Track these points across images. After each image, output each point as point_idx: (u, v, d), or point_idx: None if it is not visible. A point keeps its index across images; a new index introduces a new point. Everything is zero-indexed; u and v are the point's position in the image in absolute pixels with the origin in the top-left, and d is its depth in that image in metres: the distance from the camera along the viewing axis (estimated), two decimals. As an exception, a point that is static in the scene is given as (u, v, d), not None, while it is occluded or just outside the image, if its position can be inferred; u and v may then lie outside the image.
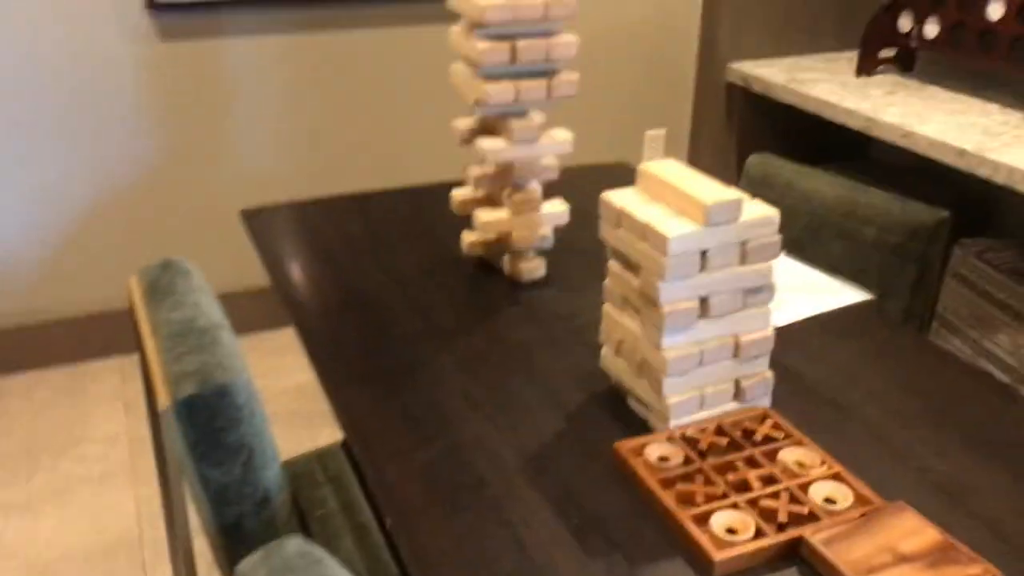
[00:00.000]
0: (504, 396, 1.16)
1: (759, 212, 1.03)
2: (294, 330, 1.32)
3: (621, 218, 1.06)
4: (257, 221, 1.65)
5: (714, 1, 2.83)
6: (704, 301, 1.04)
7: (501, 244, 1.46)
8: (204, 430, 0.97)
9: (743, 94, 2.87)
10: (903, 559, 0.86)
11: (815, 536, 0.89)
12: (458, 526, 0.94)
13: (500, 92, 1.32)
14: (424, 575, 0.88)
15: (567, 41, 1.33)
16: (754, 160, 1.74)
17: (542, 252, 1.50)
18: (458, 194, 1.48)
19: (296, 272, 1.47)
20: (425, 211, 1.69)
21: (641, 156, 3.03)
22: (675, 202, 1.04)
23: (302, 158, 2.66)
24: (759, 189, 1.72)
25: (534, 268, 1.44)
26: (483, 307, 1.37)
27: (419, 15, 2.62)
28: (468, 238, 1.47)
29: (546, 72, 1.36)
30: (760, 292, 1.06)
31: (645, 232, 1.02)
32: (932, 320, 2.35)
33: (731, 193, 1.00)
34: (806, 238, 1.63)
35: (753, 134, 2.94)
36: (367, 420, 1.11)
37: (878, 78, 2.66)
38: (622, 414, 1.13)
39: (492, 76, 1.34)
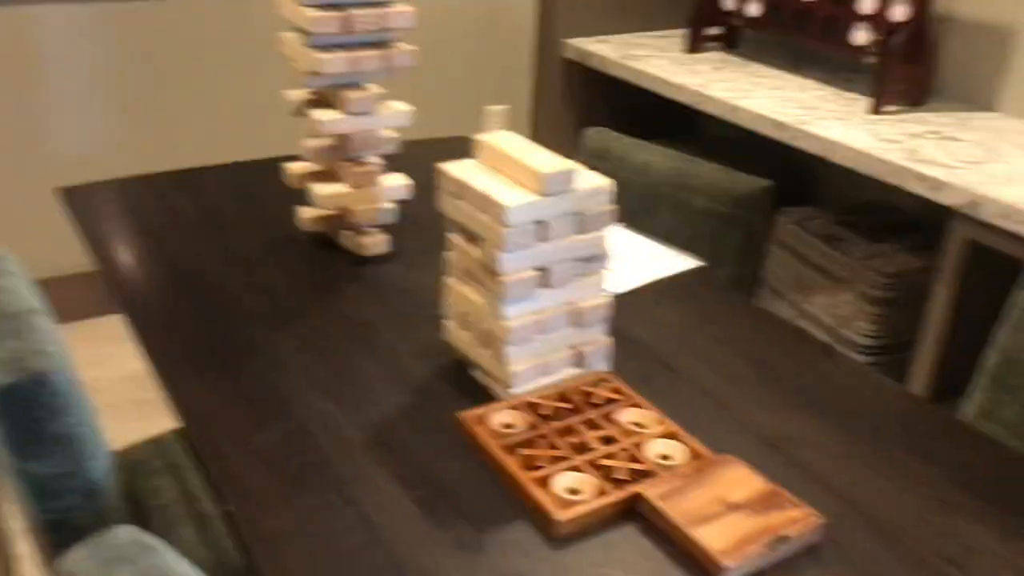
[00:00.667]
0: (347, 374, 1.14)
1: (593, 182, 1.05)
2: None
3: (460, 190, 1.06)
4: (76, 201, 1.55)
5: (550, -23, 2.87)
6: (543, 270, 1.05)
7: (341, 219, 1.43)
8: (21, 421, 0.91)
9: (580, 70, 2.93)
10: (733, 507, 0.91)
11: (651, 491, 0.92)
12: (302, 506, 0.92)
13: (334, 62, 1.29)
14: (268, 557, 0.86)
15: (402, 10, 1.32)
16: (591, 133, 1.78)
17: (384, 227, 1.49)
18: (294, 167, 1.44)
19: (122, 254, 1.39)
20: (259, 187, 1.64)
21: (481, 132, 3.04)
22: (513, 173, 1.05)
23: (124, 134, 2.51)
24: (596, 162, 1.76)
25: (376, 243, 1.42)
26: (324, 284, 1.34)
27: (250, -16, 2.52)
28: (306, 213, 1.44)
29: (382, 42, 1.34)
30: (595, 260, 1.09)
31: (484, 203, 1.02)
32: (760, 285, 2.48)
33: (566, 163, 1.02)
34: (641, 209, 1.69)
35: (591, 109, 3.01)
36: (203, 405, 1.07)
37: (706, 55, 2.77)
38: (467, 385, 1.13)
39: (325, 46, 1.31)
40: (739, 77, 2.54)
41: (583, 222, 1.05)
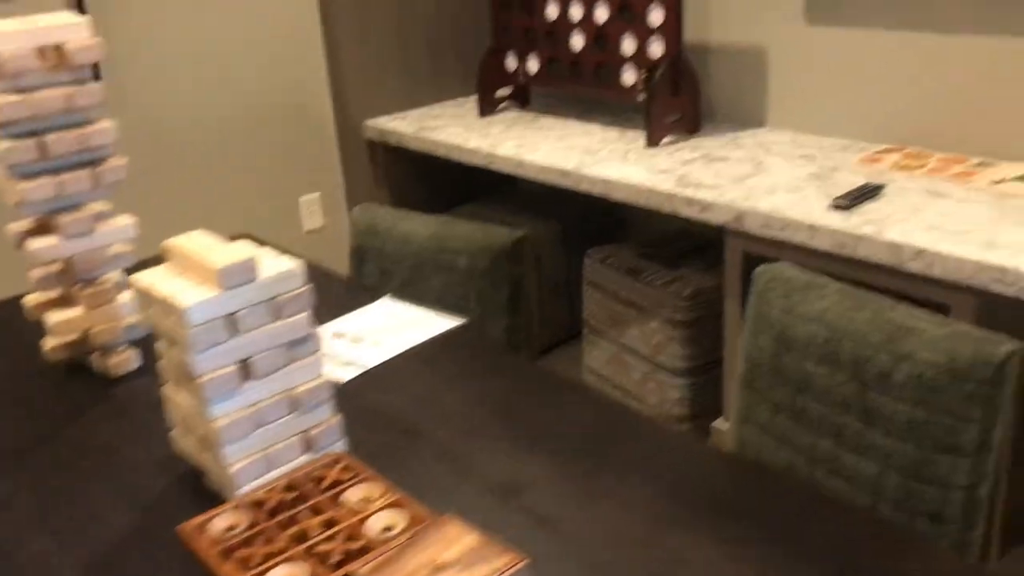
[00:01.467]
0: (76, 505, 1.10)
1: (281, 267, 1.05)
2: None
3: (147, 297, 1.05)
4: None
5: (337, 64, 2.91)
6: (245, 363, 1.04)
7: (86, 343, 1.40)
8: None
9: (384, 149, 2.96)
10: (441, 568, 0.90)
11: (362, 568, 0.91)
12: (-3, 657, 0.87)
13: (38, 190, 1.27)
14: None
15: (103, 128, 1.31)
16: (357, 212, 1.79)
17: (133, 343, 1.45)
18: (30, 299, 1.40)
19: None
20: (5, 326, 1.59)
21: (300, 223, 3.03)
22: (197, 272, 1.04)
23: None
24: (366, 238, 1.77)
25: (124, 361, 1.39)
26: (67, 414, 1.30)
27: None
28: (48, 343, 1.39)
29: (88, 162, 1.32)
30: (304, 343, 1.08)
31: (167, 307, 1.01)
32: (582, 328, 2.52)
33: (242, 254, 1.02)
34: (412, 277, 1.70)
35: (402, 186, 3.04)
36: (-91, 567, 1.01)
37: (500, 116, 2.85)
38: (201, 494, 1.10)
39: (29, 174, 1.28)
40: (528, 133, 2.62)
41: (278, 308, 1.05)
